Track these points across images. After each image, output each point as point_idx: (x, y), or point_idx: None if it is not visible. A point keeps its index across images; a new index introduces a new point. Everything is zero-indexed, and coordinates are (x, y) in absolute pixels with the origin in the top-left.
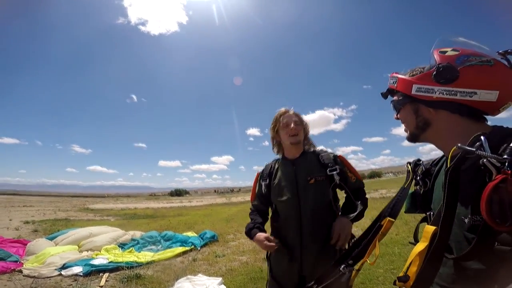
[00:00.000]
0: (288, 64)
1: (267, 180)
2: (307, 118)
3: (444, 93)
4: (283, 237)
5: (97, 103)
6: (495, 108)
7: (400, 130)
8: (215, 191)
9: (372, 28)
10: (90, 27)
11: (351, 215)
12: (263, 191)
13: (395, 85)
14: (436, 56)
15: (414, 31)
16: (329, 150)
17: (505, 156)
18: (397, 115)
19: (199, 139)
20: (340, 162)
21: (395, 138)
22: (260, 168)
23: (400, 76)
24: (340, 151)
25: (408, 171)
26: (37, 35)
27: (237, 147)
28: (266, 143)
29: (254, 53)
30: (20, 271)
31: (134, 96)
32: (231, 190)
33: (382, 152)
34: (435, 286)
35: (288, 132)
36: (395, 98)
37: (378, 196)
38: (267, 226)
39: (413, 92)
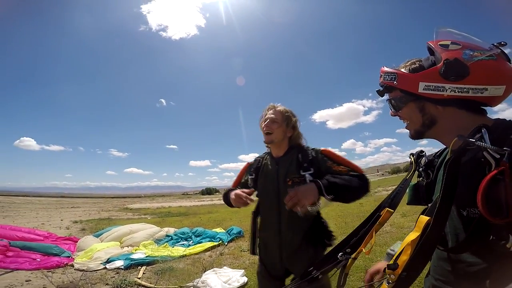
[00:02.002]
0: (313, 56)
1: (253, 175)
2: (334, 111)
3: (456, 90)
4: (265, 233)
5: (130, 109)
6: (497, 101)
7: None
8: None
9: (399, 15)
10: (117, 37)
11: (323, 181)
12: (249, 185)
13: (395, 82)
14: (439, 50)
15: (443, 14)
16: (311, 147)
17: (505, 148)
18: (396, 112)
19: (226, 139)
20: (322, 158)
21: None
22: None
23: (400, 72)
24: (372, 144)
25: (411, 163)
26: (68, 52)
27: (263, 144)
28: None
29: (277, 47)
30: (72, 265)
31: (163, 100)
32: None
33: (419, 143)
34: (431, 279)
35: (263, 129)
36: (393, 95)
37: None
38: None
39: (420, 90)
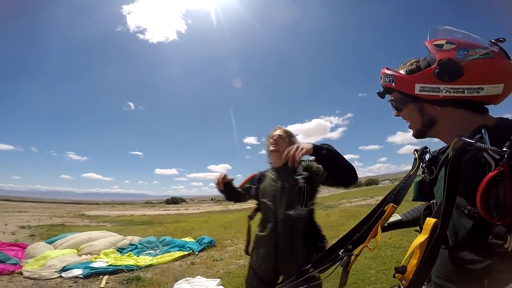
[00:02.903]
0: (284, 73)
1: (256, 184)
2: (303, 126)
3: (451, 91)
4: (263, 232)
5: (94, 110)
6: (499, 99)
7: (396, 138)
8: (212, 199)
9: (365, 36)
10: (88, 34)
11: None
12: (251, 192)
13: (393, 83)
14: (433, 51)
15: (407, 39)
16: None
17: (504, 149)
18: (398, 113)
19: (196, 148)
20: (312, 163)
21: (391, 146)
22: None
23: (397, 74)
24: None
25: (415, 159)
26: (33, 41)
27: (235, 155)
28: (263, 151)
29: (249, 64)
30: (20, 273)
31: (131, 104)
32: None
33: (378, 160)
34: (433, 276)
35: (271, 142)
36: (393, 96)
37: (374, 202)
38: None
39: (417, 91)
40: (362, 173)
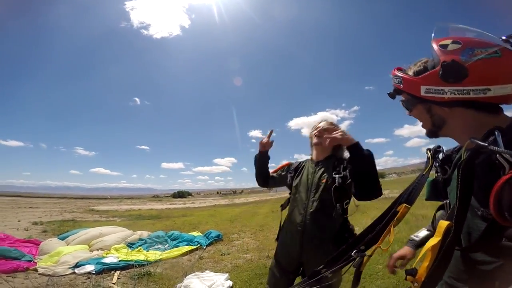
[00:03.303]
0: (290, 65)
1: (293, 173)
2: (309, 119)
3: (456, 93)
4: (290, 224)
5: (100, 106)
6: (511, 99)
7: (403, 131)
8: (217, 192)
9: (372, 28)
10: (93, 31)
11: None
12: (287, 182)
13: (401, 85)
14: (438, 52)
15: (414, 29)
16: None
17: None
18: (409, 113)
19: (201, 141)
20: None
21: (398, 139)
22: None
23: (404, 76)
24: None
25: (428, 158)
26: (40, 38)
27: (239, 149)
28: None
29: (255, 55)
30: (35, 270)
31: (137, 99)
32: (234, 192)
33: (385, 153)
34: (445, 276)
35: (315, 134)
36: (403, 97)
37: (381, 196)
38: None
39: (422, 93)
40: None
